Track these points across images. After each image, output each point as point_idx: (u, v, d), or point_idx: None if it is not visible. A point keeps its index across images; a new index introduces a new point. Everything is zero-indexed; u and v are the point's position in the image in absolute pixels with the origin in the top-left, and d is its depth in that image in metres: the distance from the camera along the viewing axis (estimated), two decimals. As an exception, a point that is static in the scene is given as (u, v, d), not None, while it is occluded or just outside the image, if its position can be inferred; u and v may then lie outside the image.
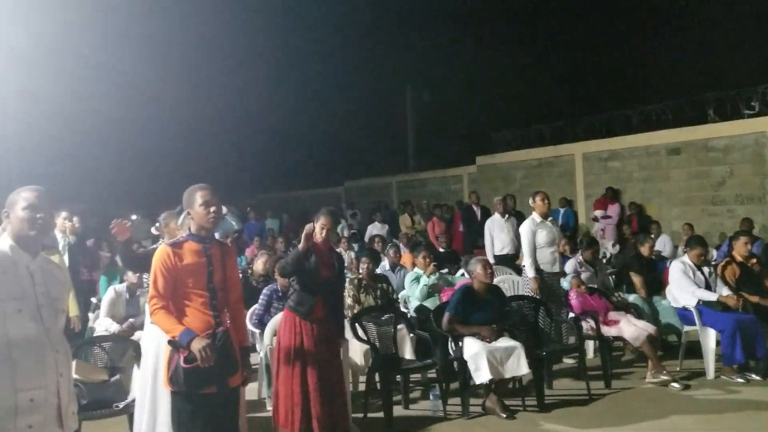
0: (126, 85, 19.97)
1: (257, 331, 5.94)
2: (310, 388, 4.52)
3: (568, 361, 6.88)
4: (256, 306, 6.13)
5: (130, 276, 6.73)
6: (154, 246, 4.81)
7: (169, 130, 22.32)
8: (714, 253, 9.03)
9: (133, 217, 12.36)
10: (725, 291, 6.44)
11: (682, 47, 17.01)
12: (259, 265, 7.42)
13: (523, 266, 7.27)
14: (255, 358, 5.67)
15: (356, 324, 5.69)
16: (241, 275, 7.20)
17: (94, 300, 7.84)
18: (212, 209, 3.55)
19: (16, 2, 14.33)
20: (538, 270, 6.84)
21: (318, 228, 4.69)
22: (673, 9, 17.47)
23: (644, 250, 7.53)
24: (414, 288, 7.10)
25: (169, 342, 3.45)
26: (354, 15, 21.34)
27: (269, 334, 5.68)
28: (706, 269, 6.68)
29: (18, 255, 2.75)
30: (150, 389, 4.38)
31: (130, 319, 6.55)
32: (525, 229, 7.06)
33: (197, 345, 3.31)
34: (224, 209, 12.06)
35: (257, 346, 6.02)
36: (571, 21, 19.31)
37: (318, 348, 4.59)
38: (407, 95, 22.33)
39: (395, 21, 21.49)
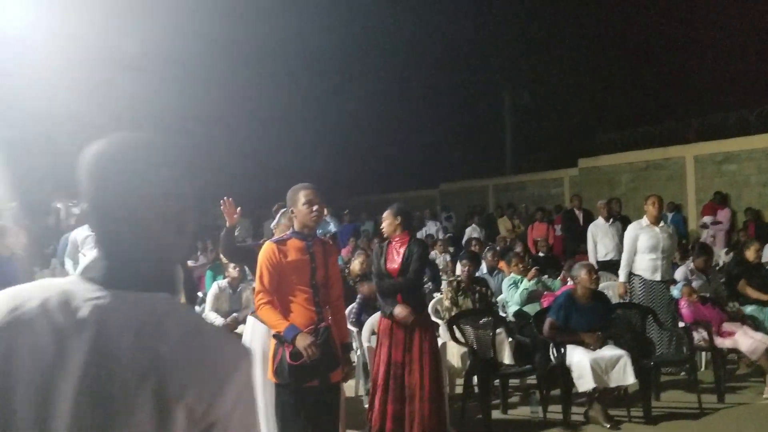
0: (230, 87, 20.79)
1: (354, 329, 6.01)
2: (400, 388, 4.54)
3: (678, 373, 6.53)
4: (353, 305, 6.21)
5: (231, 271, 7.01)
6: (256, 242, 4.96)
7: (271, 133, 23.05)
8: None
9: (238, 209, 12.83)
10: None
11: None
12: (356, 265, 7.51)
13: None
14: (352, 356, 5.73)
15: (454, 326, 5.64)
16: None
17: (200, 294, 8.21)
18: (315, 208, 3.65)
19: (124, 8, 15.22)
20: (631, 275, 6.62)
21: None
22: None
23: (749, 254, 7.07)
24: (512, 292, 6.97)
25: (275, 336, 3.56)
26: (451, 14, 21.22)
27: (367, 333, 5.74)
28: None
29: None
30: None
31: (234, 314, 6.81)
32: (628, 232, 6.85)
33: (302, 342, 3.41)
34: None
35: (354, 344, 6.10)
36: (683, 16, 18.35)
37: (396, 347, 4.62)
38: (505, 96, 21.99)
39: (494, 20, 21.16)
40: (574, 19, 20.26)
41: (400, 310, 4.51)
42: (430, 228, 13.69)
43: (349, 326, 6.05)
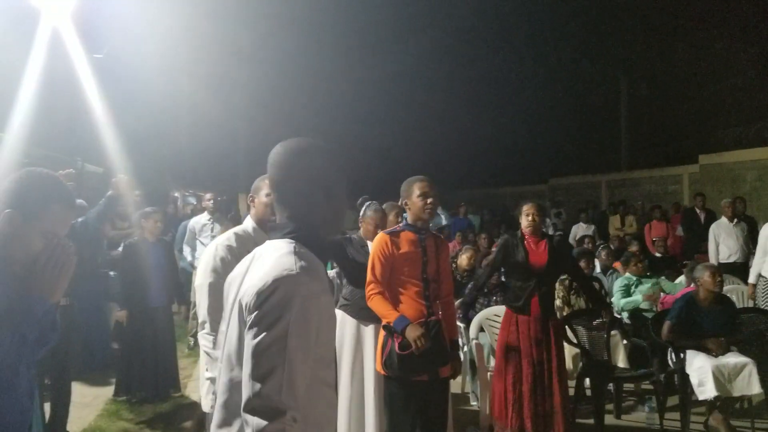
0: (341, 79, 21.21)
1: (462, 325, 5.99)
2: (524, 387, 4.46)
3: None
4: (460, 300, 6.18)
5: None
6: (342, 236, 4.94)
7: (385, 128, 23.36)
8: None
9: None
10: None
11: None
12: (463, 260, 7.47)
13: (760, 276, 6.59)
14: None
15: (566, 327, 5.51)
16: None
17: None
18: (429, 201, 3.65)
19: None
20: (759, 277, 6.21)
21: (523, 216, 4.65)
22: None
23: None
24: (620, 294, 6.70)
25: (384, 327, 3.59)
26: (565, 1, 20.60)
27: (474, 329, 5.71)
28: None
29: None
30: (348, 372, 4.44)
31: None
32: (764, 231, 6.43)
33: (412, 333, 3.42)
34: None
35: (461, 341, 6.07)
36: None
37: (534, 346, 4.49)
38: (621, 87, 21.09)
39: (612, 5, 20.32)
40: (692, 6, 19.12)
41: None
42: (539, 224, 13.36)
43: (457, 322, 6.05)
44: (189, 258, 7.90)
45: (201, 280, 3.04)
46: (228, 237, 3.10)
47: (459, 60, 22.97)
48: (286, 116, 19.20)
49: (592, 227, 12.91)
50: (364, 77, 21.80)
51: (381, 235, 3.74)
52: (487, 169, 25.79)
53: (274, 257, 1.64)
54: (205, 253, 3.17)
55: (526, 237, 4.60)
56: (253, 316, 1.55)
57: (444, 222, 11.22)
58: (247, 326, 1.56)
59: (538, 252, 4.55)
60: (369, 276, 3.68)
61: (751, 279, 6.37)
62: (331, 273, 7.23)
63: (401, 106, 23.37)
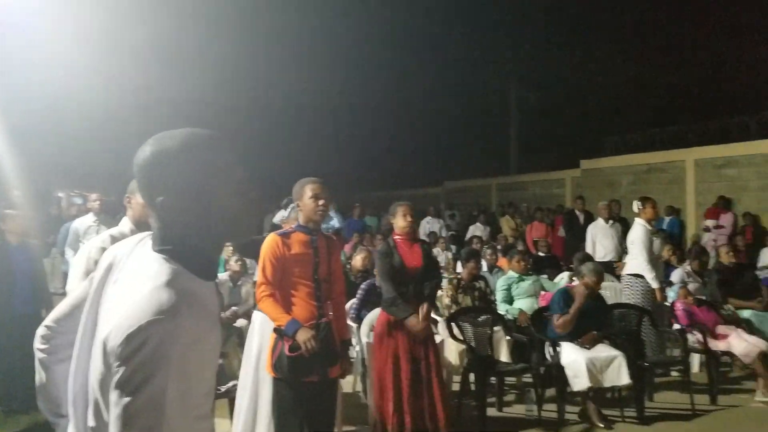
0: (239, 78, 20.85)
1: (354, 325, 6.09)
2: (402, 384, 4.56)
3: (672, 374, 6.61)
4: (353, 300, 6.28)
5: (233, 264, 7.08)
6: (263, 236, 5.00)
7: (279, 129, 23.15)
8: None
9: None
10: None
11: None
12: (358, 261, 7.58)
13: (623, 273, 7.06)
14: (351, 352, 5.81)
15: (453, 324, 5.72)
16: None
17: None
18: (321, 202, 3.68)
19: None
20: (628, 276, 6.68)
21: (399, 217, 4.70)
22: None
23: (723, 258, 7.17)
24: (504, 293, 7.03)
25: (275, 330, 3.61)
26: (457, 11, 21.27)
27: (366, 329, 5.82)
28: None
29: None
30: (252, 375, 4.56)
31: (233, 307, 6.88)
32: (641, 236, 6.73)
33: (302, 336, 3.45)
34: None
35: (353, 340, 6.17)
36: (687, 25, 18.42)
37: (412, 345, 4.58)
38: (511, 95, 22.03)
39: (500, 18, 21.21)
40: (581, 21, 20.30)
41: (415, 323, 4.47)
42: (433, 225, 13.76)
43: (349, 322, 6.14)
44: (71, 261, 7.55)
45: (72, 285, 2.94)
46: (103, 239, 3.00)
47: (357, 65, 23.17)
48: (185, 112, 18.68)
49: (488, 228, 13.46)
50: (264, 78, 21.55)
51: (272, 237, 3.75)
52: (384, 172, 26.17)
53: (147, 288, 1.34)
54: (77, 255, 3.05)
55: (399, 242, 4.65)
56: (121, 370, 1.26)
57: (337, 224, 11.29)
58: (114, 381, 1.27)
59: (413, 256, 4.62)
60: (259, 278, 3.67)
61: (655, 284, 6.68)
62: (224, 276, 7.16)
63: (299, 109, 23.30)
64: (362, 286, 6.38)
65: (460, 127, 23.80)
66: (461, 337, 5.67)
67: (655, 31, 19.15)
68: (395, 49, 22.96)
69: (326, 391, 3.69)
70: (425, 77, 23.75)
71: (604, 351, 5.33)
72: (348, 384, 6.04)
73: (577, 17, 20.31)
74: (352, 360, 5.95)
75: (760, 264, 9.64)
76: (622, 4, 19.71)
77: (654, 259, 6.69)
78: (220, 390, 4.84)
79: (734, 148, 11.83)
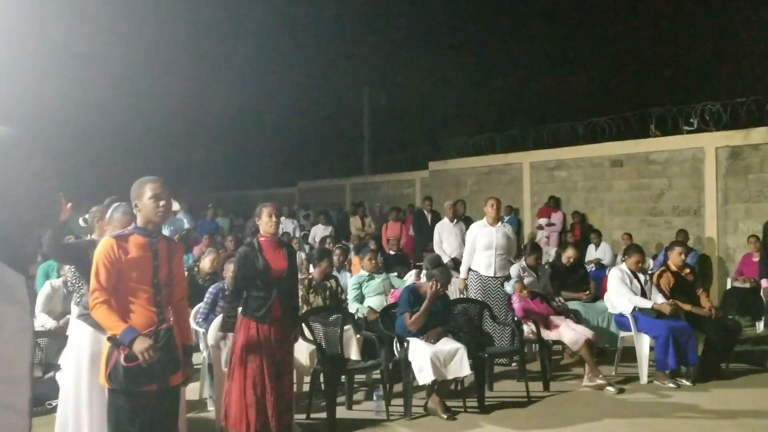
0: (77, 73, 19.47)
1: (201, 330, 5.90)
2: (267, 388, 4.48)
3: (510, 364, 7.03)
4: (201, 304, 6.08)
5: (67, 270, 6.60)
6: (86, 238, 4.69)
7: (125, 125, 21.89)
8: (651, 262, 9.37)
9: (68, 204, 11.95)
10: (660, 299, 6.69)
11: (625, 64, 17.65)
12: (206, 263, 7.36)
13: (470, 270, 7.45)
14: (198, 358, 5.63)
15: (303, 324, 5.71)
16: (187, 273, 7.17)
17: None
18: (161, 203, 3.49)
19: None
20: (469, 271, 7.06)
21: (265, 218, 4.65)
22: (620, 31, 18.14)
23: (564, 258, 7.81)
24: (355, 292, 7.15)
25: (109, 339, 3.40)
26: (312, 14, 21.31)
27: (213, 334, 5.65)
28: (642, 277, 6.94)
29: None
30: (73, 386, 4.28)
31: (68, 315, 6.41)
32: (469, 231, 7.27)
33: (140, 346, 3.26)
34: (176, 206, 11.81)
35: (200, 346, 5.98)
36: (524, 35, 19.79)
37: (275, 349, 4.53)
38: (364, 97, 22.41)
39: (355, 21, 21.56)
40: (433, 29, 21.13)
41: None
42: (287, 226, 13.66)
43: (196, 326, 5.94)
44: None
45: None
46: None
47: (209, 61, 22.50)
48: (51, 111, 17.18)
49: (330, 228, 13.58)
50: (108, 73, 20.26)
51: (106, 239, 3.51)
52: (238, 171, 25.64)
53: None
54: None
55: (264, 244, 4.59)
56: None
57: (186, 225, 10.90)
58: None
59: (278, 258, 4.59)
60: (93, 283, 3.42)
61: (463, 274, 7.18)
62: (57, 282, 6.64)
63: (148, 107, 22.18)
64: (210, 289, 6.18)
65: (315, 127, 23.87)
66: (312, 338, 5.68)
67: (496, 42, 20.35)
68: (248, 48, 22.56)
69: (167, 399, 3.53)
70: (280, 76, 23.58)
71: (447, 344, 5.55)
72: (194, 391, 5.85)
73: (427, 22, 21.11)
74: (198, 366, 5.79)
75: (586, 259, 10.53)
76: (467, 13, 20.77)
77: (499, 255, 7.15)
78: (51, 404, 4.51)
79: (564, 151, 12.86)
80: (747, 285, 8.45)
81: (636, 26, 17.76)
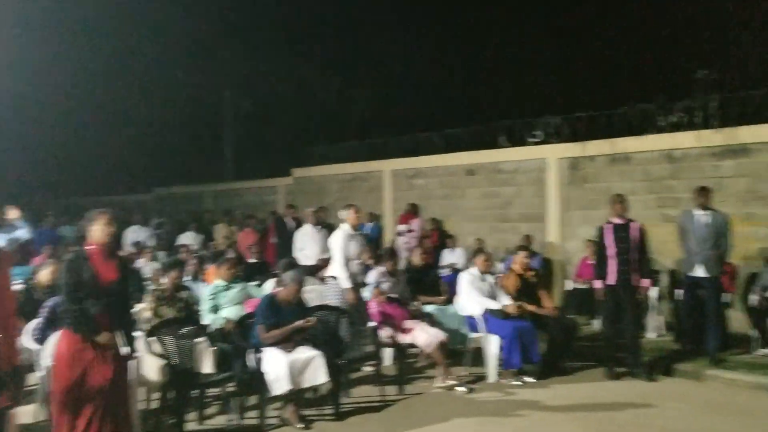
0: None
1: (38, 347, 5.47)
2: (95, 409, 4.18)
3: (367, 369, 7.13)
4: (37, 320, 5.65)
5: None
6: None
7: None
8: (500, 265, 9.89)
9: None
10: (506, 300, 7.09)
11: (478, 78, 18.63)
12: (43, 276, 6.83)
13: (329, 276, 7.47)
14: (33, 377, 5.22)
15: (153, 338, 5.46)
16: (24, 286, 6.63)
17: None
18: None
19: None
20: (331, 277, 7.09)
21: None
22: (477, 49, 19.12)
23: (415, 259, 8.10)
24: (211, 302, 6.95)
25: None
26: (172, 13, 20.49)
27: (49, 351, 5.26)
28: (491, 279, 7.32)
29: None
30: None
31: None
32: (338, 240, 7.25)
33: None
34: (14, 213, 10.87)
35: (36, 365, 5.54)
36: (387, 46, 20.26)
37: (104, 367, 4.19)
38: (227, 101, 21.89)
39: (218, 21, 20.99)
40: (296, 34, 21.04)
41: (104, 341, 3.95)
42: (140, 235, 13.01)
43: (32, 344, 5.49)
44: None
45: None
46: None
47: (59, 63, 20.99)
48: None
49: (200, 236, 13.17)
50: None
51: None
52: (88, 176, 24.14)
53: None
54: None
55: (93, 254, 4.26)
56: None
57: (26, 235, 10.08)
58: None
59: (108, 269, 4.26)
60: None
61: (347, 284, 7.05)
62: None
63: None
64: (47, 303, 5.75)
65: (173, 132, 22.95)
66: (161, 352, 5.45)
67: (359, 51, 20.67)
68: (102, 47, 21.34)
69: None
70: (134, 78, 22.45)
71: (303, 352, 5.54)
72: (30, 414, 5.41)
73: (294, 29, 21.02)
74: (35, 386, 5.36)
75: (443, 263, 10.93)
76: (331, 22, 20.94)
77: (352, 262, 7.22)
78: None
79: (422, 160, 13.28)
80: (585, 286, 9.14)
81: (489, 45, 18.77)
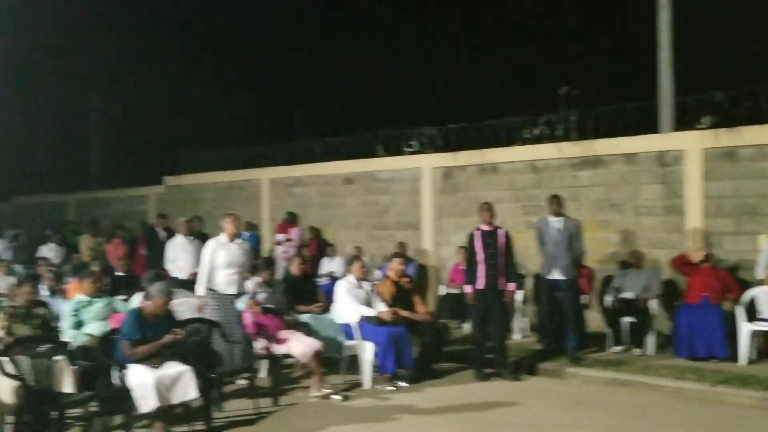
0: None
1: None
2: None
3: (242, 382, 6.98)
4: None
5: None
6: None
7: None
8: (377, 273, 10.05)
9: None
10: (382, 307, 7.22)
11: (357, 87, 18.87)
12: None
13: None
14: None
15: (5, 358, 5.08)
16: None
17: None
18: None
19: None
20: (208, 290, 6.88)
21: None
22: (356, 59, 19.34)
23: (293, 269, 8.10)
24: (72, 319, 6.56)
25: None
26: (35, 11, 19.16)
27: None
28: (368, 286, 7.42)
29: None
30: None
31: None
32: (206, 248, 7.06)
33: None
34: None
35: None
36: (261, 52, 20.09)
37: None
38: (93, 106, 20.76)
39: (79, 23, 19.86)
40: (169, 41, 20.33)
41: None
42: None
43: None
44: None
45: None
46: None
47: None
48: None
49: (62, 249, 12.44)
50: None
51: None
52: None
53: None
54: None
55: None
56: None
57: None
58: None
59: None
60: None
61: (201, 292, 6.92)
62: None
63: None
64: None
65: (34, 137, 21.44)
66: (14, 373, 5.08)
67: (237, 57, 20.32)
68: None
69: None
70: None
71: (172, 368, 5.35)
72: None
73: (168, 33, 20.29)
74: None
75: (321, 272, 10.95)
76: (204, 28, 20.45)
77: (238, 272, 7.04)
78: None
79: (301, 169, 13.24)
80: (456, 291, 9.47)
81: (368, 56, 19.04)
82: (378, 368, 6.86)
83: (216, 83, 20.11)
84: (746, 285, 7.92)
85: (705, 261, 8.01)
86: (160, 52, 20.09)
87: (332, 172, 12.70)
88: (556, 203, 7.83)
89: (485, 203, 7.56)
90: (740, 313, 7.49)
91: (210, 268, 6.90)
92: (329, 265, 11.21)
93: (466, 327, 9.11)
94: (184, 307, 7.22)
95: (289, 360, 7.03)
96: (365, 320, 7.07)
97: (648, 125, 9.72)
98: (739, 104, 8.82)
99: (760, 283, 7.82)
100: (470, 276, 7.41)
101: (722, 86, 9.23)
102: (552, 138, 10.52)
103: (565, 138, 10.30)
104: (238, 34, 20.21)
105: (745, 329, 7.38)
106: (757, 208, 8.35)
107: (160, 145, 19.01)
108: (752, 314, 7.55)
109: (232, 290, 6.89)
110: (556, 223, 7.77)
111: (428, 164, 11.39)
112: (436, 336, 7.44)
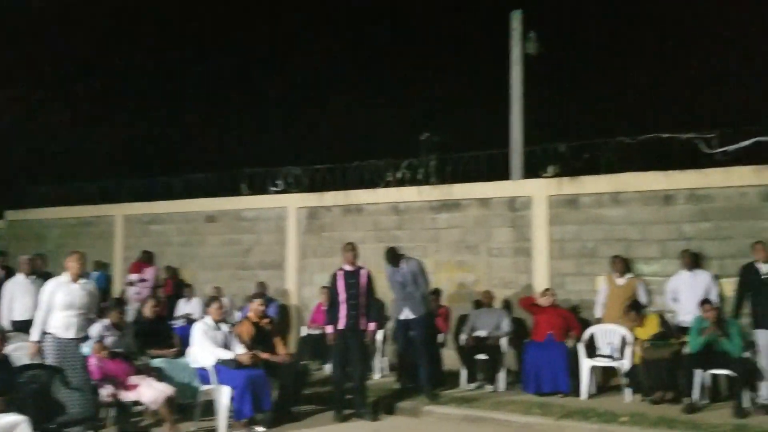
0: None
1: None
2: None
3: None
4: None
5: None
6: None
7: None
8: (237, 314, 9.81)
9: None
10: (240, 349, 7.02)
11: (220, 126, 18.64)
12: None
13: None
14: None
15: None
16: None
17: None
18: None
19: None
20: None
21: None
22: (219, 97, 19.14)
23: (146, 311, 7.79)
24: None
25: None
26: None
27: None
28: (226, 328, 7.20)
29: None
30: None
31: None
32: (44, 288, 6.55)
33: None
34: None
35: None
36: (123, 85, 19.35)
37: None
38: None
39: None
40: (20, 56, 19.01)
41: None
42: None
43: None
44: None
45: None
46: None
47: None
48: None
49: None
50: None
51: None
52: None
53: None
54: None
55: None
56: None
57: None
58: None
59: None
60: None
61: (35, 336, 6.39)
62: None
63: None
64: None
65: None
66: None
67: (92, 89, 19.40)
68: None
69: None
70: None
71: (4, 418, 4.89)
72: None
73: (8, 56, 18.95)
74: None
75: (177, 314, 10.51)
76: (58, 55, 19.37)
77: (80, 314, 6.56)
78: None
79: (160, 205, 12.73)
80: (318, 332, 9.43)
81: (231, 94, 18.90)
82: (234, 413, 6.63)
83: (71, 113, 19.03)
84: (586, 323, 8.56)
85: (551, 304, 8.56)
86: (3, 76, 18.72)
87: (194, 209, 12.35)
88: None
89: (348, 243, 7.64)
90: (581, 349, 8.05)
91: (47, 310, 6.40)
92: (186, 307, 10.80)
93: (328, 368, 9.07)
94: (22, 351, 6.65)
95: (139, 407, 6.64)
96: (222, 363, 6.83)
97: (501, 172, 10.37)
98: (579, 155, 9.63)
99: (598, 321, 8.49)
100: (332, 316, 7.43)
101: (566, 138, 10.06)
102: (413, 181, 10.91)
103: (426, 182, 10.72)
104: (92, 61, 19.31)
105: (585, 365, 7.94)
106: (596, 251, 9.10)
107: (1, 176, 17.58)
108: (592, 351, 8.14)
109: (71, 334, 6.39)
110: (398, 269, 8.08)
111: (293, 204, 11.39)
112: (296, 378, 7.34)
